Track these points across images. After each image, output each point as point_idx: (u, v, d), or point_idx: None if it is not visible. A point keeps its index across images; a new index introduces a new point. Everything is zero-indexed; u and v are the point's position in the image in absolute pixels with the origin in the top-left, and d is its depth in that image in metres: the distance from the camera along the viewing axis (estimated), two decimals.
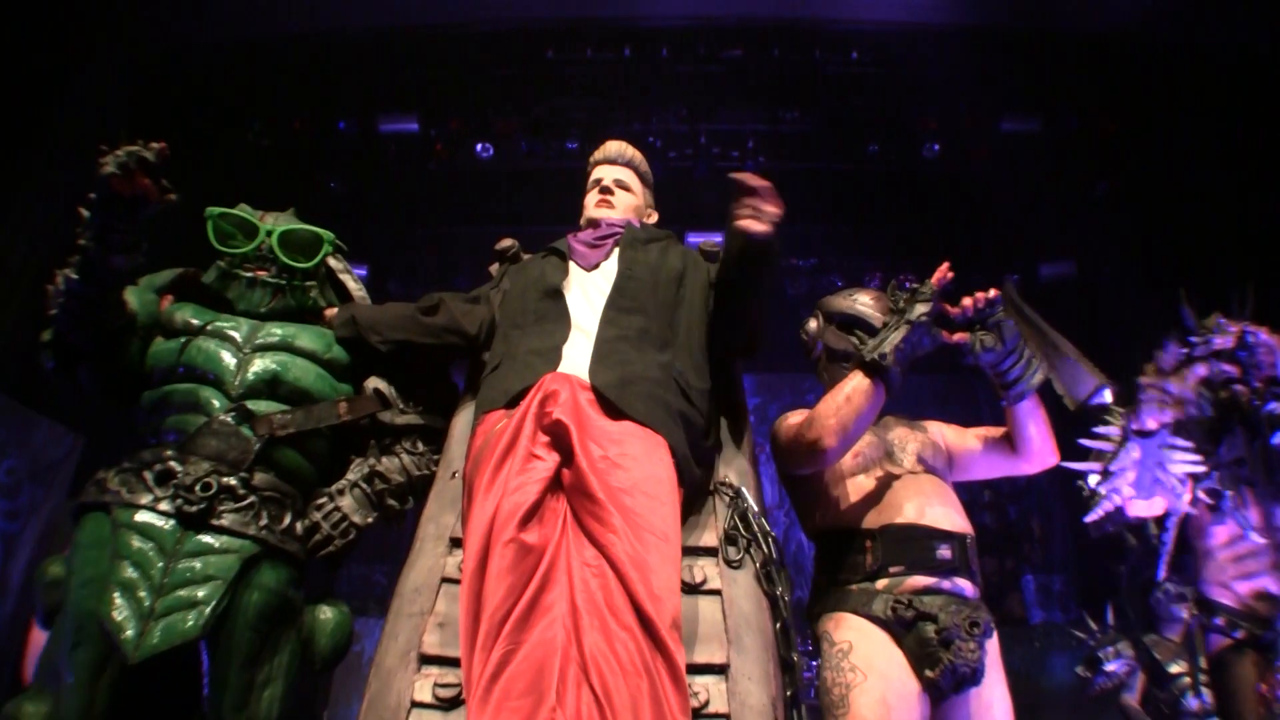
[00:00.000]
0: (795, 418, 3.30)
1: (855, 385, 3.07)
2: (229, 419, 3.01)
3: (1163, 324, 4.11)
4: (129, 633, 2.64)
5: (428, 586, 2.68)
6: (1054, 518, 10.08)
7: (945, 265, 3.12)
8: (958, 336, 3.14)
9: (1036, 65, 8.30)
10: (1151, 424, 3.67)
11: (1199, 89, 7.93)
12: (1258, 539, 3.64)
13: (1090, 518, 3.77)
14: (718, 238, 3.32)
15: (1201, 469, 3.69)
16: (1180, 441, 3.68)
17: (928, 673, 2.88)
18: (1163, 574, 3.89)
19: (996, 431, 3.46)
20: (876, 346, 3.08)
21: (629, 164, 3.68)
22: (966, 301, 3.13)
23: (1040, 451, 3.34)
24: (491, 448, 2.61)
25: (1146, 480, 3.68)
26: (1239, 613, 3.68)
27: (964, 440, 3.52)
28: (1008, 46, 8.17)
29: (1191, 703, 6.03)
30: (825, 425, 3.06)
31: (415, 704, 2.41)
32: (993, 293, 3.10)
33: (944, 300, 3.13)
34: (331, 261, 3.55)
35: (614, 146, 3.72)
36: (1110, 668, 6.71)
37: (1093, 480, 3.83)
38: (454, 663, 2.43)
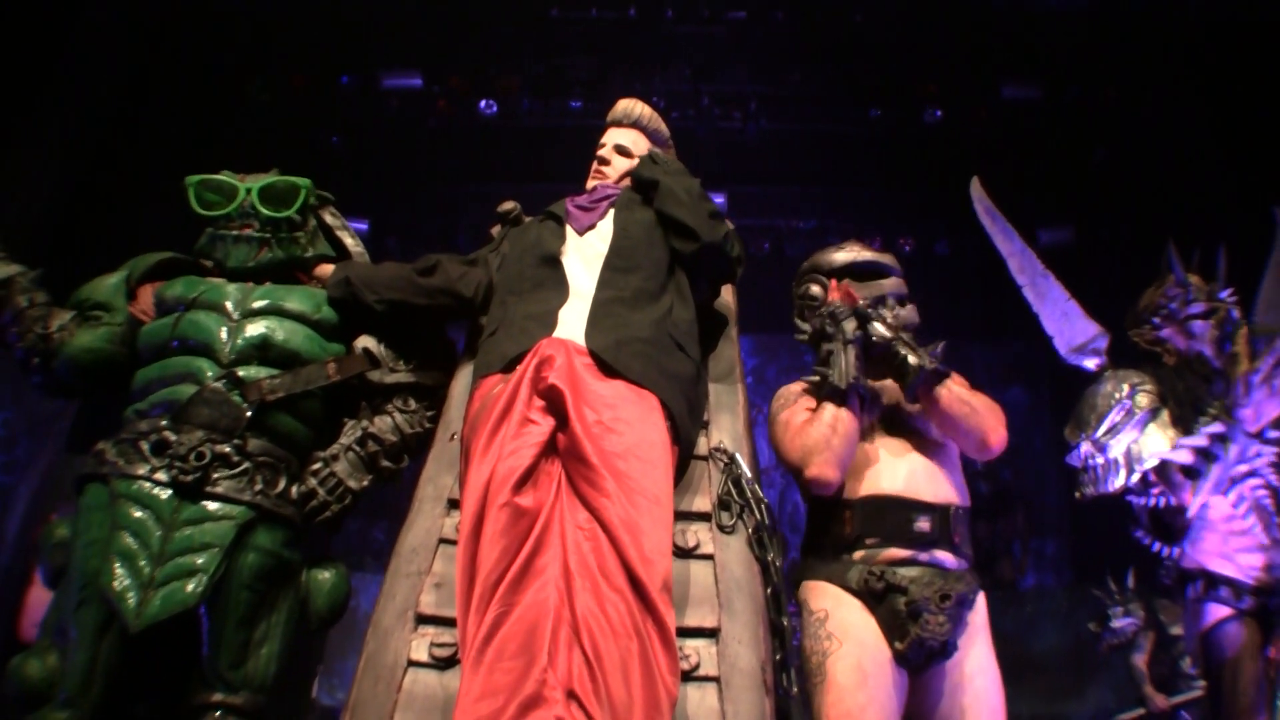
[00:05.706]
0: (791, 431, 3.21)
1: (835, 415, 3.04)
2: (220, 386, 3.03)
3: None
4: (130, 601, 2.70)
5: (425, 547, 2.72)
6: (1047, 483, 10.12)
7: (843, 285, 3.22)
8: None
9: (1037, 33, 8.28)
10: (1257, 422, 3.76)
11: (1196, 57, 7.92)
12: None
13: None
14: (718, 199, 3.31)
15: None
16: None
17: (897, 645, 2.90)
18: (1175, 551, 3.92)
19: None
20: (843, 375, 3.03)
21: (635, 124, 3.65)
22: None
23: (967, 441, 3.21)
24: (488, 412, 2.63)
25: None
26: (1245, 584, 3.70)
27: None
28: (1009, 14, 8.15)
29: (1191, 668, 6.12)
30: (821, 460, 3.02)
31: (411, 663, 2.46)
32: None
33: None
34: (329, 218, 3.56)
35: (621, 107, 3.69)
36: (1117, 625, 6.83)
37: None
38: (450, 622, 2.46)
